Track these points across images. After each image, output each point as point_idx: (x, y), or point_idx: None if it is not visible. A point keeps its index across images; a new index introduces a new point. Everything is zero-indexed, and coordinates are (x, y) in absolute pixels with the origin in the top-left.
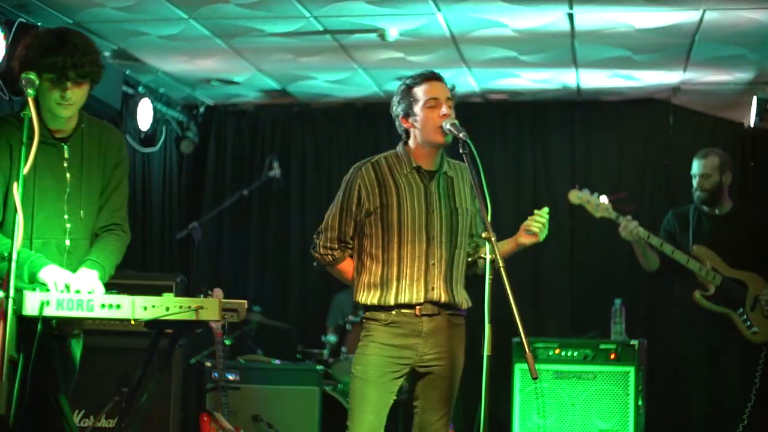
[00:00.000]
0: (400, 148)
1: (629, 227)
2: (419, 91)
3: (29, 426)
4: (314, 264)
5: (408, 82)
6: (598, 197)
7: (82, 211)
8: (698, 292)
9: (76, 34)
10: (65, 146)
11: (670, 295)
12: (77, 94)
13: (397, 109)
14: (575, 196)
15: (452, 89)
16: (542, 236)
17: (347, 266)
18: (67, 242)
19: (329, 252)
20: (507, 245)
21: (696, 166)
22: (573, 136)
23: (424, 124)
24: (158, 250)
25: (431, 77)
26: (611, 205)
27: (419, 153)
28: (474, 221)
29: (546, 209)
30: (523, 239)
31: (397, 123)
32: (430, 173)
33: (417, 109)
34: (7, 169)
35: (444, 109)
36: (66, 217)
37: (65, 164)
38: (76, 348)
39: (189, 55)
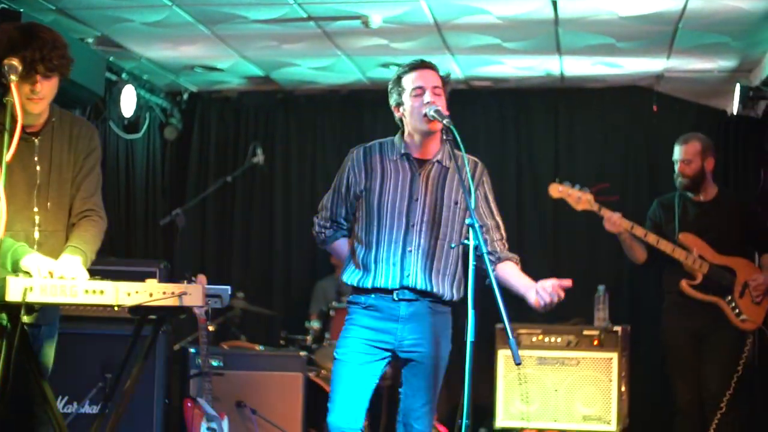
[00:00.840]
0: (397, 136)
1: (612, 219)
2: (407, 80)
3: (12, 412)
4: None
5: (398, 72)
6: (580, 189)
7: (49, 203)
8: (685, 281)
9: (43, 29)
10: (36, 140)
11: (653, 281)
12: (47, 88)
13: (390, 99)
14: (555, 189)
15: (446, 77)
16: (554, 302)
17: (341, 245)
18: (36, 234)
19: (322, 230)
20: (519, 288)
21: (677, 152)
22: (557, 123)
23: (411, 111)
24: (142, 236)
25: (419, 66)
26: (593, 197)
27: (412, 141)
28: (479, 212)
29: (569, 282)
30: (535, 300)
31: (394, 114)
32: (420, 161)
33: (405, 97)
34: None
35: (427, 96)
36: (35, 209)
37: (36, 158)
38: (49, 346)
39: (172, 42)
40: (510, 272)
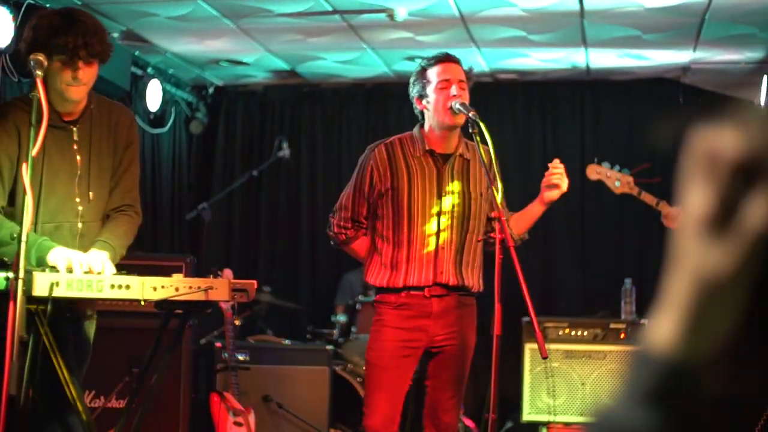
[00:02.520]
0: (416, 130)
1: (671, 215)
2: (432, 73)
3: (40, 407)
4: (331, 243)
5: (423, 64)
6: (620, 171)
7: (91, 193)
8: None
9: (83, 14)
10: (74, 128)
11: None
12: (88, 74)
13: (412, 91)
14: (593, 171)
15: (469, 71)
16: (564, 185)
17: (361, 245)
18: (80, 225)
19: (343, 231)
20: (534, 208)
21: None
22: (582, 115)
23: (435, 105)
24: (168, 230)
25: (444, 59)
26: (633, 179)
27: (433, 135)
28: (493, 204)
29: (557, 160)
30: (549, 194)
31: (414, 105)
32: (444, 156)
33: (429, 90)
34: (15, 154)
35: (453, 90)
36: (77, 200)
37: (75, 147)
38: (90, 329)
39: (198, 36)
40: (517, 217)
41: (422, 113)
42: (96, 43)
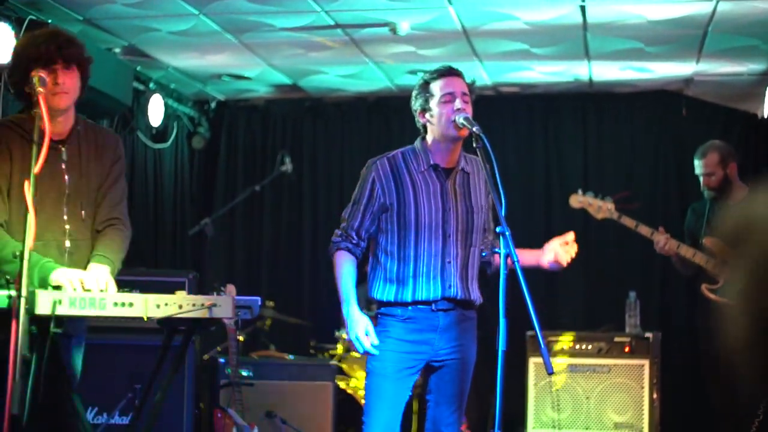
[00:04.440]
0: (418, 143)
1: (660, 245)
2: (435, 87)
3: (42, 426)
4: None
5: (425, 77)
6: (601, 199)
7: (83, 212)
8: (705, 286)
9: (61, 30)
10: (63, 148)
11: (683, 287)
12: (69, 81)
13: (415, 104)
14: (576, 200)
15: (472, 84)
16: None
17: (340, 258)
18: (67, 243)
19: (336, 240)
20: (529, 259)
21: (697, 166)
22: (585, 128)
23: (439, 118)
24: (170, 246)
25: (448, 72)
26: (614, 206)
27: (436, 149)
28: (488, 217)
29: (571, 234)
30: (547, 263)
31: (416, 118)
32: (447, 171)
33: (433, 104)
34: (7, 172)
35: (457, 104)
36: (65, 218)
37: (63, 166)
38: (78, 354)
39: (200, 51)
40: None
41: (425, 126)
42: (73, 48)
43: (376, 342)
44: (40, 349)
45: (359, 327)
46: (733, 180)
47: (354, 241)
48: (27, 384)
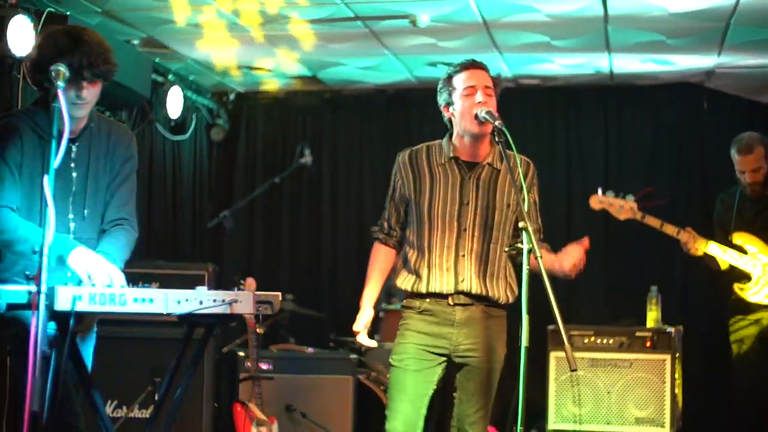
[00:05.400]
0: (445, 138)
1: (688, 246)
2: (458, 80)
3: (60, 421)
4: None
5: (449, 71)
6: (623, 198)
7: (86, 211)
8: (737, 285)
9: (89, 33)
10: (73, 146)
11: (705, 281)
12: (91, 93)
13: (440, 99)
14: (596, 201)
15: (496, 78)
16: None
17: (373, 250)
18: None
19: (372, 233)
20: (549, 264)
21: (742, 162)
22: (606, 121)
23: (461, 112)
24: (189, 238)
25: (470, 66)
26: (636, 204)
27: (461, 143)
28: (526, 215)
29: (586, 242)
30: (559, 271)
31: (442, 114)
32: (470, 164)
33: (455, 97)
34: (19, 162)
35: (478, 96)
36: (71, 216)
37: (72, 164)
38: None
39: (219, 43)
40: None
41: (450, 121)
42: (100, 63)
43: (368, 344)
44: (59, 346)
45: (356, 322)
46: None
47: (386, 231)
48: (46, 381)
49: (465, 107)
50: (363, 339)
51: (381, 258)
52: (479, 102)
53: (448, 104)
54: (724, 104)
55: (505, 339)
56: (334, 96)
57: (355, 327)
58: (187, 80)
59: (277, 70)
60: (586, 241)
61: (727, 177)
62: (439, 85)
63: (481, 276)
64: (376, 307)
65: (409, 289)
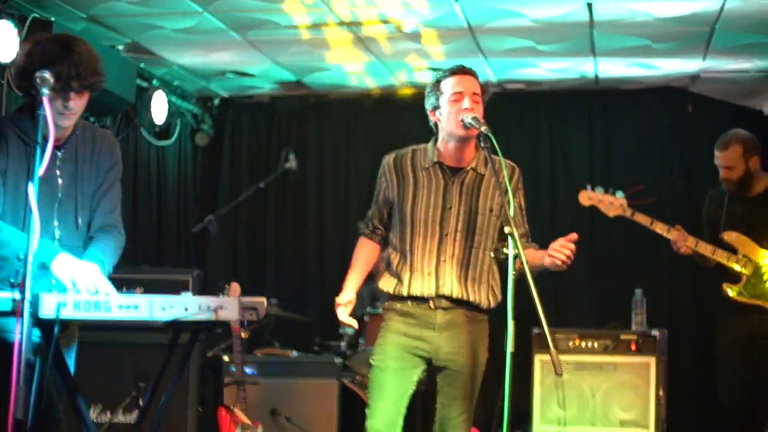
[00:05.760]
0: (431, 142)
1: (678, 245)
2: (446, 85)
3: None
4: None
5: (438, 76)
6: (612, 194)
7: (71, 218)
8: (726, 285)
9: (78, 42)
10: (58, 153)
11: (690, 284)
12: (78, 104)
13: (427, 103)
14: (585, 197)
15: (484, 84)
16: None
17: (358, 244)
18: None
19: (358, 229)
20: (534, 259)
21: (718, 158)
22: (591, 125)
23: (448, 116)
24: (173, 244)
25: (459, 71)
26: (626, 201)
27: (446, 148)
28: (512, 220)
29: (574, 236)
30: (548, 263)
31: (429, 118)
32: (454, 170)
33: (442, 102)
34: (3, 169)
35: (465, 102)
36: (56, 224)
37: (57, 171)
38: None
39: (204, 48)
40: (531, 254)
41: (436, 125)
42: (89, 74)
43: (347, 321)
44: (44, 353)
45: (339, 300)
46: (754, 173)
47: (371, 229)
48: (31, 388)
49: (451, 112)
50: (342, 315)
51: (366, 250)
52: (465, 108)
53: (435, 108)
54: (709, 109)
55: (486, 343)
56: (319, 101)
57: (338, 300)
58: (172, 85)
59: (262, 75)
60: (574, 236)
61: (713, 180)
62: (427, 89)
63: (463, 280)
64: (361, 311)
65: (390, 291)
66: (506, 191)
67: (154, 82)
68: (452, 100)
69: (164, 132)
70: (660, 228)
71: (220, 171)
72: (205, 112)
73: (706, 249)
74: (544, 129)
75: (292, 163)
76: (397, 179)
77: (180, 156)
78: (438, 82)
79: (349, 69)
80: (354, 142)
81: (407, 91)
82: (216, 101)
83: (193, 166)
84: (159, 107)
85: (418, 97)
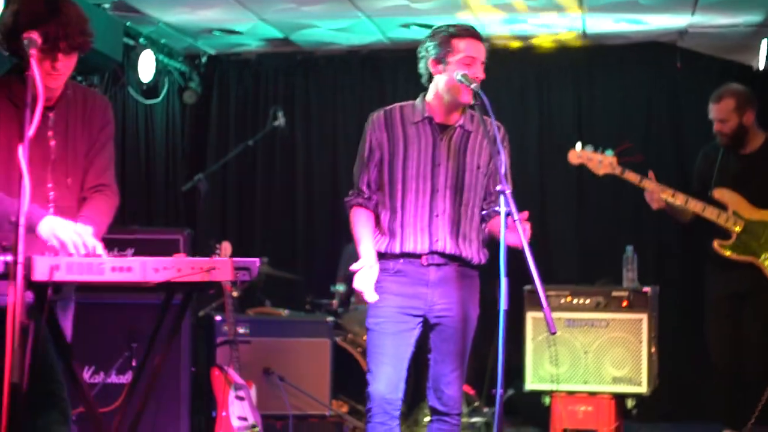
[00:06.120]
0: (418, 98)
1: (653, 195)
2: (460, 44)
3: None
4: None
5: (451, 30)
6: (602, 152)
7: (69, 179)
8: (717, 242)
9: (66, 3)
10: (50, 114)
11: (678, 241)
12: (67, 65)
13: (429, 51)
14: (575, 156)
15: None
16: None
17: (354, 215)
18: (51, 211)
19: (348, 201)
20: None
21: (711, 110)
22: (578, 81)
23: (454, 77)
24: (162, 202)
25: (476, 35)
26: (616, 159)
27: (438, 103)
28: (495, 178)
29: (526, 214)
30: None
31: (422, 65)
32: (442, 126)
33: (452, 59)
34: None
35: (479, 72)
36: (49, 185)
37: (49, 132)
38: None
39: (190, 6)
40: (494, 223)
41: (430, 76)
42: (77, 34)
43: (371, 299)
44: (37, 316)
45: (361, 280)
46: (748, 128)
47: (365, 196)
48: (24, 351)
49: (460, 74)
50: (362, 283)
51: (364, 218)
52: (478, 77)
53: (439, 61)
54: (697, 64)
55: (478, 299)
56: (306, 58)
57: (358, 265)
58: (159, 43)
59: (250, 32)
60: (525, 214)
61: (700, 136)
62: (434, 39)
63: (454, 236)
64: (346, 271)
65: (382, 250)
66: (498, 151)
67: (141, 40)
68: (465, 63)
69: (152, 90)
70: (649, 185)
71: (209, 129)
72: (193, 70)
73: (696, 206)
74: (531, 85)
75: (280, 120)
76: (387, 135)
77: (168, 114)
78: (451, 36)
79: (337, 26)
80: (341, 99)
81: (395, 48)
82: (203, 59)
83: (182, 124)
84: (146, 66)
85: (406, 54)
